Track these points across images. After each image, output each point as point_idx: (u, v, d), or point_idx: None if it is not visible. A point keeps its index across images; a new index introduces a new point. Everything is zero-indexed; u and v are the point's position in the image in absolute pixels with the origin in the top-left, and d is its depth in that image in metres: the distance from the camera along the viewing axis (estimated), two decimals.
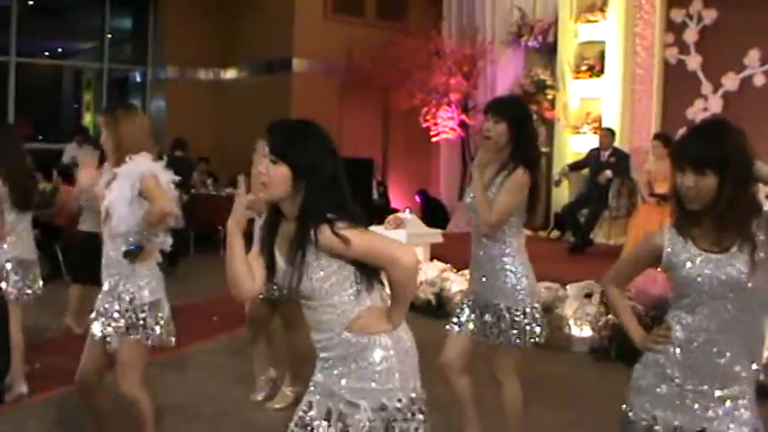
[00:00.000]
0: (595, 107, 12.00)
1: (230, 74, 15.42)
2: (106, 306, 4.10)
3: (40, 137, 14.50)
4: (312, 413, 2.84)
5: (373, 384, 2.79)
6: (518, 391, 4.36)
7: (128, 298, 4.07)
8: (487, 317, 4.26)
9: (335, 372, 2.83)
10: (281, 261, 2.83)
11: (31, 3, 15.26)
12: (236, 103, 14.67)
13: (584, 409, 5.69)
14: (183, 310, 7.05)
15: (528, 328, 4.20)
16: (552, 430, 5.32)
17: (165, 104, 15.36)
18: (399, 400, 2.80)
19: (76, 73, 18.17)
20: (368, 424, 2.76)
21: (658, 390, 2.88)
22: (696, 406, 2.80)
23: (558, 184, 11.60)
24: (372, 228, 3.02)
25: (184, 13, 14.87)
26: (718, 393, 2.79)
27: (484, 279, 4.29)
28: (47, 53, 17.27)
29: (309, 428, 2.82)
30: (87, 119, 17.14)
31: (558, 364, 6.86)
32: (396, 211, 10.69)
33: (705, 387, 2.79)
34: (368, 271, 2.80)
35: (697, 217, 2.78)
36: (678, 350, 2.84)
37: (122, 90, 16.95)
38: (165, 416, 5.07)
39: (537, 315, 4.25)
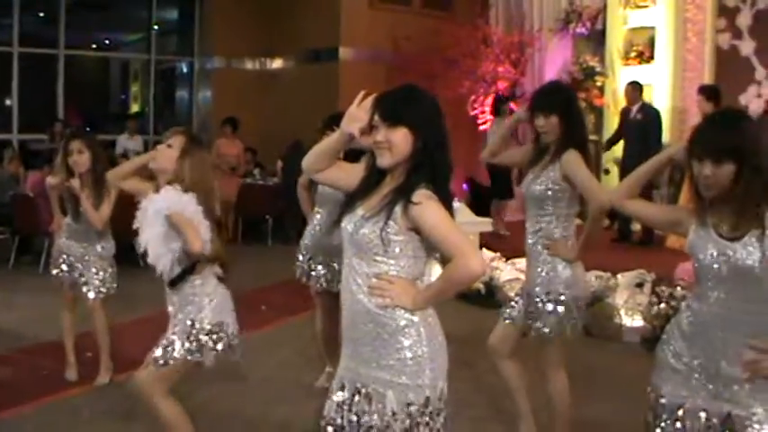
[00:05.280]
0: (645, 94, 11.36)
1: (277, 63, 15.30)
2: (171, 337, 3.91)
3: (88, 128, 13.80)
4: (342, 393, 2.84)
5: (403, 378, 2.74)
6: (565, 384, 4.27)
7: (188, 322, 3.89)
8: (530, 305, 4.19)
9: (365, 356, 2.80)
10: (360, 209, 2.83)
11: None
12: (283, 92, 14.54)
13: (635, 400, 5.50)
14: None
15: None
16: (602, 422, 5.19)
17: (211, 95, 15.38)
18: (427, 398, 2.76)
19: (123, 65, 18.20)
20: (390, 416, 2.73)
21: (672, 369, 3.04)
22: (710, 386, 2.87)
23: (607, 171, 11.33)
24: None
25: (230, 3, 14.79)
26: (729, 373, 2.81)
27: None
28: (94, 45, 17.30)
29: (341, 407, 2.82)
30: (134, 109, 17.24)
31: (608, 355, 6.73)
32: None
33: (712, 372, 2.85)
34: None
35: (715, 205, 2.82)
36: (683, 338, 2.97)
37: (169, 81, 16.97)
38: (207, 413, 5.05)
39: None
